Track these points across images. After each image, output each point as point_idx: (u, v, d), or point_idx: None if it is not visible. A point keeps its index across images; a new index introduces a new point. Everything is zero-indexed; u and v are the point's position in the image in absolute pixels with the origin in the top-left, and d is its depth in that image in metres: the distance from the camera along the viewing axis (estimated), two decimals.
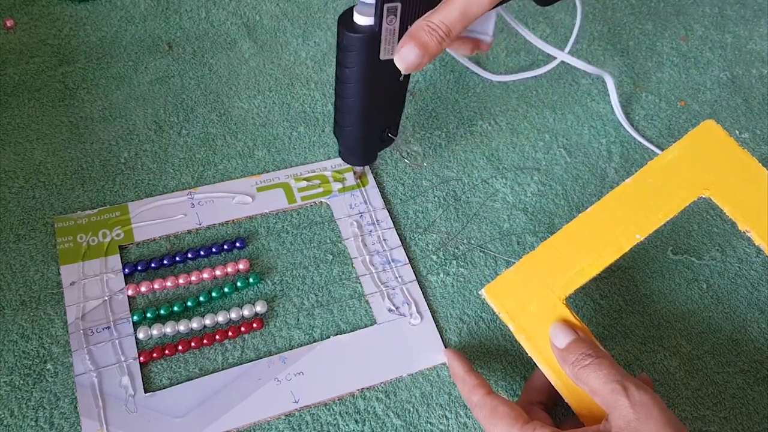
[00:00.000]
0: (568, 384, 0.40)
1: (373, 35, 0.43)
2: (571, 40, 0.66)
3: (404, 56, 0.42)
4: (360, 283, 0.51)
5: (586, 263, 0.42)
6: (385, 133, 0.53)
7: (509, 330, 0.43)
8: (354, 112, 0.49)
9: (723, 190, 0.43)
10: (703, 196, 0.43)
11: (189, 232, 0.53)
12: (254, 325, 0.48)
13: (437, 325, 0.49)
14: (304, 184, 0.56)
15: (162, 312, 0.47)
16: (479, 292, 0.43)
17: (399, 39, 0.43)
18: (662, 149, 0.62)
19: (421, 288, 0.51)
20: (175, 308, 0.48)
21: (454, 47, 0.46)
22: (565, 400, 0.41)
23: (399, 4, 0.42)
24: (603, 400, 0.37)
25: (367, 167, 0.58)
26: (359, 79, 0.46)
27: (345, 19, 0.44)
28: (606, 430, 0.36)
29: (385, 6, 0.41)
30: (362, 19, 0.43)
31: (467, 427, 0.45)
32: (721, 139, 0.44)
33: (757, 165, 0.43)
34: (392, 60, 0.43)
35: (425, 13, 0.42)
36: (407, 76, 0.49)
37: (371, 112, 0.50)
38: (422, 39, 0.41)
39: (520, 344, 0.43)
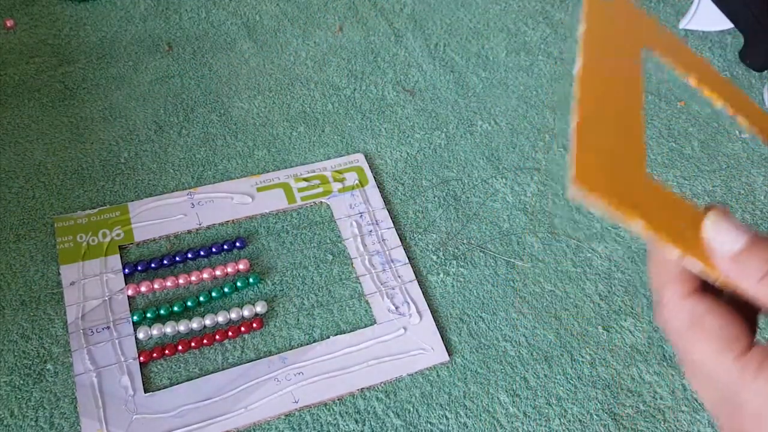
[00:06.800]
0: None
1: None
2: None
3: None
4: (360, 283, 0.51)
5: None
6: None
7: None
8: None
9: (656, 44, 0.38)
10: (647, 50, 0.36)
11: (189, 232, 0.53)
12: (254, 325, 0.48)
13: (437, 325, 0.49)
14: (304, 184, 0.56)
15: (162, 312, 0.47)
16: (567, 196, 0.31)
17: None
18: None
19: (421, 288, 0.51)
20: (175, 308, 0.48)
21: None
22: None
23: None
24: None
25: (366, 165, 0.58)
26: None
27: None
28: None
29: None
30: None
31: (467, 427, 0.45)
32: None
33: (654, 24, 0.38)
34: None
35: None
36: None
37: None
38: None
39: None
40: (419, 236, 0.55)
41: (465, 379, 0.47)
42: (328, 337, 0.48)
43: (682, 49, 0.35)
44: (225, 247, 0.51)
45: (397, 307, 0.50)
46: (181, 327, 0.47)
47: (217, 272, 0.50)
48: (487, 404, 0.46)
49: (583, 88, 0.30)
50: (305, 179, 0.57)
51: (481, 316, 0.50)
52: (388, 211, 0.56)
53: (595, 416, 0.47)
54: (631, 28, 0.33)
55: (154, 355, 0.45)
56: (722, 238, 0.23)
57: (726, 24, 0.69)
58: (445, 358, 0.48)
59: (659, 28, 0.35)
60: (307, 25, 0.70)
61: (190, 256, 0.50)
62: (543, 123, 0.65)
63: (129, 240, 0.51)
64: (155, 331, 0.46)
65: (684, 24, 0.73)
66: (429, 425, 0.44)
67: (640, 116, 0.29)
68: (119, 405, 0.43)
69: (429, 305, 0.50)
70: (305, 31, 0.70)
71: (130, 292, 0.48)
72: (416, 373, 0.47)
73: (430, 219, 0.56)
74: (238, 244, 0.51)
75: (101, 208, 0.53)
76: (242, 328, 0.47)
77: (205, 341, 0.46)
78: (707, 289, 0.23)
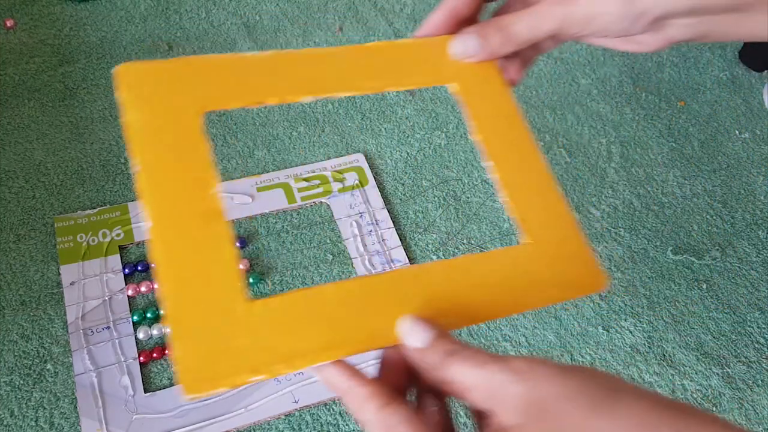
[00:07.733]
0: None
1: None
2: None
3: None
4: None
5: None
6: None
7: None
8: None
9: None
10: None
11: None
12: None
13: None
14: (304, 184, 0.56)
15: (162, 312, 0.47)
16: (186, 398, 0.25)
17: None
18: None
19: None
20: None
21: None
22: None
23: None
24: (486, 391, 0.26)
25: (366, 165, 0.58)
26: None
27: None
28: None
29: None
30: None
31: (467, 427, 0.45)
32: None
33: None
34: None
35: None
36: None
37: None
38: None
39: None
40: (419, 236, 0.55)
41: None
42: None
43: (256, 76, 0.30)
44: None
45: None
46: None
47: None
48: None
49: (156, 239, 0.27)
50: (305, 179, 0.57)
51: None
52: (388, 211, 0.56)
53: None
54: (188, 97, 0.29)
55: (154, 355, 0.45)
56: (411, 336, 0.29)
57: None
58: None
59: (233, 61, 0.30)
60: (307, 25, 0.70)
61: None
62: (543, 123, 0.65)
63: (129, 240, 0.51)
64: (155, 331, 0.46)
65: None
66: None
67: (221, 222, 0.28)
68: (119, 405, 0.43)
69: None
70: (305, 31, 0.70)
71: (130, 292, 0.48)
72: None
73: (430, 219, 0.56)
74: (238, 244, 0.51)
75: (101, 208, 0.53)
76: None
77: None
78: (401, 400, 0.28)
